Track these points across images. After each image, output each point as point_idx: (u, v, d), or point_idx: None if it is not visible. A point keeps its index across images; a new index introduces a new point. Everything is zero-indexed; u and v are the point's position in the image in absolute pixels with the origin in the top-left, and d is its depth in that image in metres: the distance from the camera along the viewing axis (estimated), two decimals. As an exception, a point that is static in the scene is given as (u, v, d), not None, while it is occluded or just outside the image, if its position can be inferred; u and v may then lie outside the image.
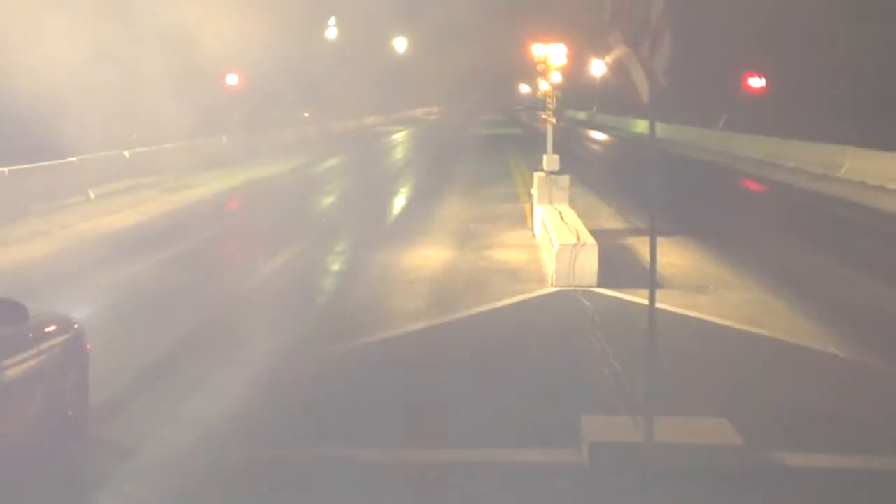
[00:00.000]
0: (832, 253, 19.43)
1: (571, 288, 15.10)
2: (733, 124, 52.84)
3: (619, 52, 7.87)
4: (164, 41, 36.58)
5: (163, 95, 36.54)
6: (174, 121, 37.98)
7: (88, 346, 8.98)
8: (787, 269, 17.38)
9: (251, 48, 49.72)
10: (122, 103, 34.43)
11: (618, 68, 7.96)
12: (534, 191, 21.67)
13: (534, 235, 20.57)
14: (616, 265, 16.57)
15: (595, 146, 61.65)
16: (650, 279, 8.22)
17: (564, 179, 21.22)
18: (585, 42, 69.65)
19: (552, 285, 15.46)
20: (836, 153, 35.20)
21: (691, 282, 16.03)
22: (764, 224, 25.14)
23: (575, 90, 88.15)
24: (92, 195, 27.47)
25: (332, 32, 79.74)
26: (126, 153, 32.55)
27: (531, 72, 24.21)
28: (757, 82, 56.55)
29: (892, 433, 9.12)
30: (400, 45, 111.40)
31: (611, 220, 23.36)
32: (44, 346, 8.20)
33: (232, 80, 54.85)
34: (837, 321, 13.41)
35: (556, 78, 23.95)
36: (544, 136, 23.19)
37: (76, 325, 8.91)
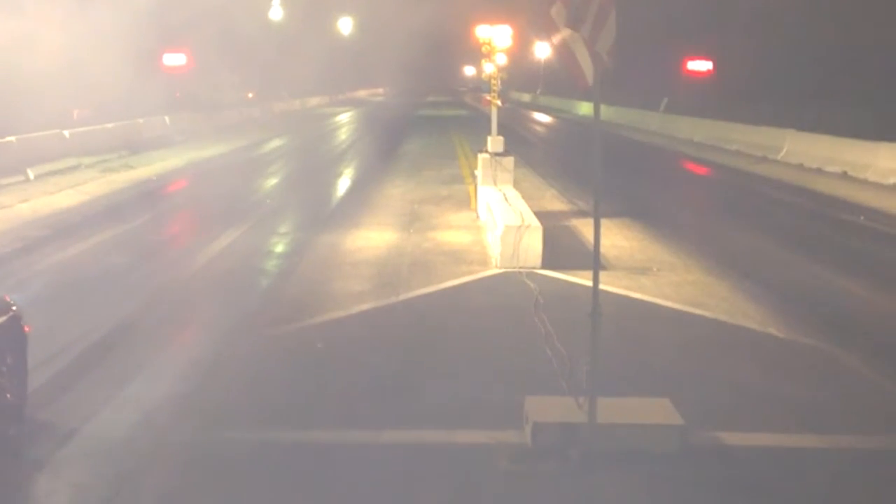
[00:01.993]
0: (771, 235, 19.67)
1: (516, 269, 15.16)
2: (675, 107, 53.28)
3: (564, 33, 7.87)
4: (106, 19, 36.02)
5: (104, 75, 36.04)
6: (115, 100, 37.53)
7: (27, 329, 8.86)
8: (728, 250, 17.59)
9: (195, 27, 49.26)
10: (62, 82, 33.91)
11: (563, 49, 7.96)
12: (478, 172, 21.69)
13: (478, 217, 20.59)
14: (560, 247, 16.66)
15: (539, 128, 61.85)
16: (594, 261, 8.26)
17: (509, 161, 21.25)
18: (530, 24, 69.73)
19: (496, 267, 15.51)
20: (776, 136, 35.66)
21: (634, 263, 16.16)
22: (705, 206, 25.49)
23: (519, 72, 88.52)
24: (31, 175, 27.03)
25: (276, 13, 79.05)
26: (66, 133, 32.05)
27: (476, 53, 24.17)
28: (703, 65, 56.99)
29: (828, 412, 9.30)
30: (345, 25, 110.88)
31: (555, 202, 23.46)
32: (-20, 328, 8.08)
33: (178, 59, 54.29)
34: (776, 302, 13.61)
35: (501, 60, 23.94)
36: (488, 118, 23.20)
37: (14, 308, 8.77)
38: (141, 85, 40.01)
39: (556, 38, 7.95)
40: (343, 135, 54.58)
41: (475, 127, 49.58)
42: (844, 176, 28.90)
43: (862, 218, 21.91)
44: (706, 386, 9.87)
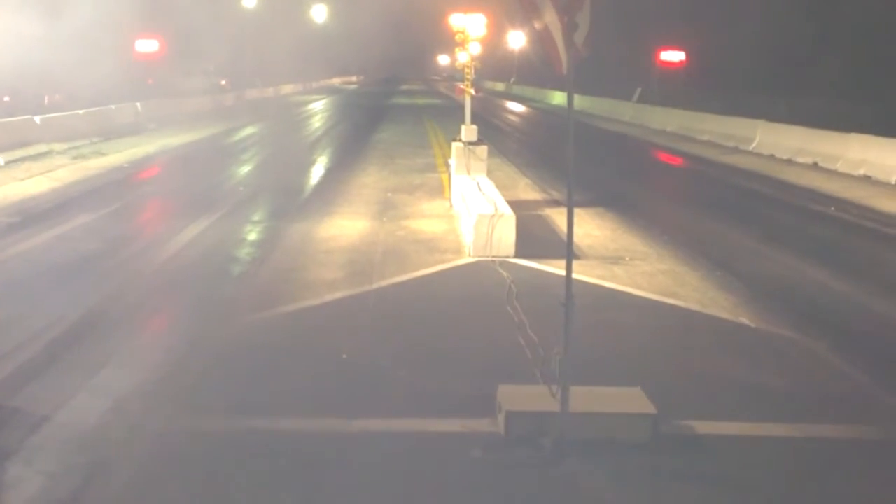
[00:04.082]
0: (742, 225, 19.78)
1: (489, 258, 15.17)
2: (649, 97, 53.44)
3: (547, 17, 7.82)
4: (78, 4, 35.74)
5: (75, 60, 35.76)
6: (87, 86, 37.25)
7: (-2, 316, 8.80)
8: (700, 240, 17.66)
9: (167, 13, 48.92)
10: (33, 68, 33.63)
11: (544, 33, 7.90)
12: (452, 161, 21.68)
13: (451, 206, 20.59)
14: (533, 236, 16.69)
15: (513, 117, 61.84)
16: (567, 250, 8.27)
17: (482, 150, 21.25)
18: (504, 13, 69.63)
19: (470, 256, 15.51)
20: (748, 127, 35.84)
21: (607, 253, 16.21)
22: (677, 196, 25.59)
23: (493, 62, 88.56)
24: (2, 161, 26.82)
25: (249, 0, 78.55)
26: (37, 119, 31.81)
27: (450, 42, 24.08)
28: (676, 56, 57.11)
29: (799, 401, 9.37)
30: (319, 13, 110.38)
31: (528, 191, 23.49)
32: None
33: (151, 46, 53.95)
34: (748, 292, 13.68)
35: (475, 49, 23.89)
36: (462, 107, 23.18)
37: (-16, 295, 8.71)
38: (113, 71, 39.74)
39: (538, 23, 7.89)
40: (316, 122, 54.39)
41: (449, 115, 49.57)
42: (815, 167, 29.09)
43: (832, 208, 22.07)
44: (678, 375, 9.93)
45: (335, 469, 7.66)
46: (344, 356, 10.71)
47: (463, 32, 22.26)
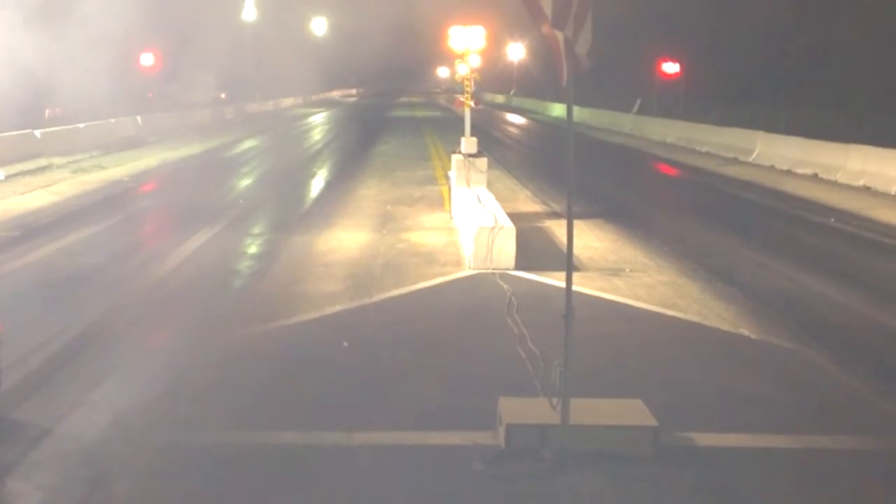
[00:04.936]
0: (743, 236, 19.77)
1: (489, 271, 15.17)
2: (649, 109, 53.49)
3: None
4: (77, 16, 35.76)
5: (75, 74, 35.76)
6: (87, 100, 37.26)
7: (0, 328, 8.79)
8: (700, 252, 17.66)
9: (167, 26, 49.00)
10: (33, 81, 33.63)
11: (552, 40, 7.88)
12: (452, 173, 21.68)
13: (451, 218, 20.59)
14: (533, 248, 16.70)
15: (513, 129, 61.85)
16: (567, 262, 8.27)
17: (482, 162, 21.26)
18: (504, 25, 69.85)
19: (470, 268, 15.51)
20: (748, 138, 35.89)
21: (608, 264, 16.21)
22: (677, 207, 25.57)
23: (493, 74, 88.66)
24: (2, 175, 26.84)
25: (249, 13, 78.69)
26: (37, 133, 31.84)
27: (450, 55, 24.10)
28: (671, 67, 57.16)
29: (800, 413, 9.36)
30: (319, 26, 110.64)
31: (528, 203, 23.49)
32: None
33: (147, 59, 54.02)
34: (748, 303, 13.68)
35: (475, 61, 23.92)
36: (462, 119, 23.22)
37: (-16, 309, 8.70)
38: (113, 84, 39.77)
39: (545, 27, 7.87)
40: (316, 135, 54.43)
41: (448, 128, 49.62)
42: (815, 178, 29.11)
43: (832, 220, 22.07)
44: (679, 387, 9.92)
45: (336, 482, 7.65)
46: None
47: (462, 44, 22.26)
